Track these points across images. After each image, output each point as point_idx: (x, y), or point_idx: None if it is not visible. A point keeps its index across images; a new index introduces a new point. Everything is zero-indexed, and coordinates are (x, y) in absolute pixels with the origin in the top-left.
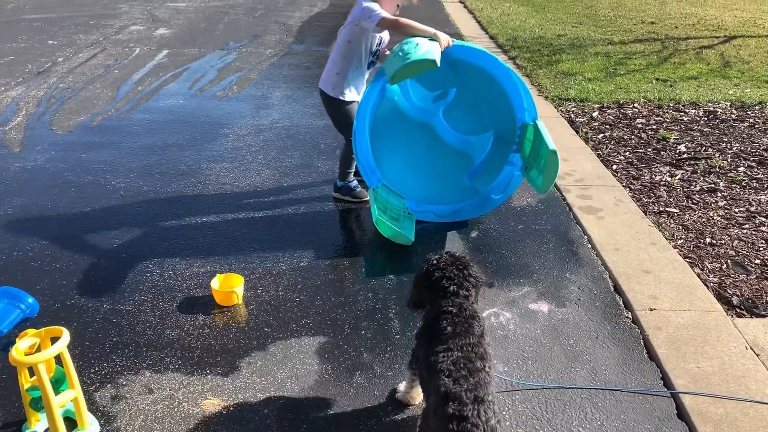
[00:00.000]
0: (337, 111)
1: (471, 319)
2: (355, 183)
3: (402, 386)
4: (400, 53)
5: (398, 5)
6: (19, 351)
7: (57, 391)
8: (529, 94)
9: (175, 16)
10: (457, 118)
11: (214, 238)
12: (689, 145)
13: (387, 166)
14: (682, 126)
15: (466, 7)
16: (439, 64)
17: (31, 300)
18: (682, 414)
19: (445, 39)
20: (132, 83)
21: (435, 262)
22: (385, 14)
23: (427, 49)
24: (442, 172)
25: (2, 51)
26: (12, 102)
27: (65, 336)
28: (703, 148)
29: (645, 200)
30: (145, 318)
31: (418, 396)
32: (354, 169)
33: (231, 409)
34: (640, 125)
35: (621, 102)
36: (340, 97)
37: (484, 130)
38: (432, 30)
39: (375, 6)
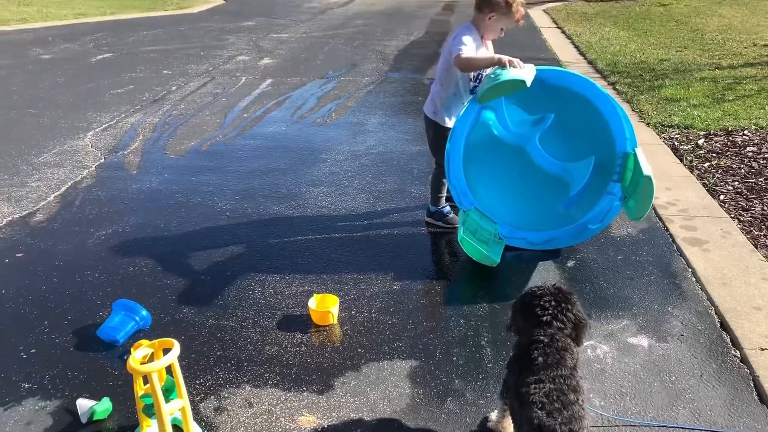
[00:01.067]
0: (434, 134)
1: (563, 351)
2: (447, 209)
3: (493, 415)
4: (491, 75)
5: (502, 29)
6: (135, 360)
7: (167, 400)
8: (629, 123)
9: (279, 46)
10: (555, 145)
11: (311, 258)
12: None
13: (479, 191)
14: None
15: (563, 32)
16: (528, 85)
17: (144, 312)
18: None
19: (511, 59)
20: (238, 110)
21: (536, 290)
22: (464, 53)
23: (519, 71)
24: (536, 199)
25: (123, 81)
26: (131, 128)
27: (176, 348)
28: None
29: (756, 233)
30: (246, 333)
31: (509, 426)
32: (445, 194)
33: (326, 426)
34: (750, 154)
35: (729, 129)
36: (439, 122)
37: (582, 157)
38: (496, 57)
39: (466, 40)
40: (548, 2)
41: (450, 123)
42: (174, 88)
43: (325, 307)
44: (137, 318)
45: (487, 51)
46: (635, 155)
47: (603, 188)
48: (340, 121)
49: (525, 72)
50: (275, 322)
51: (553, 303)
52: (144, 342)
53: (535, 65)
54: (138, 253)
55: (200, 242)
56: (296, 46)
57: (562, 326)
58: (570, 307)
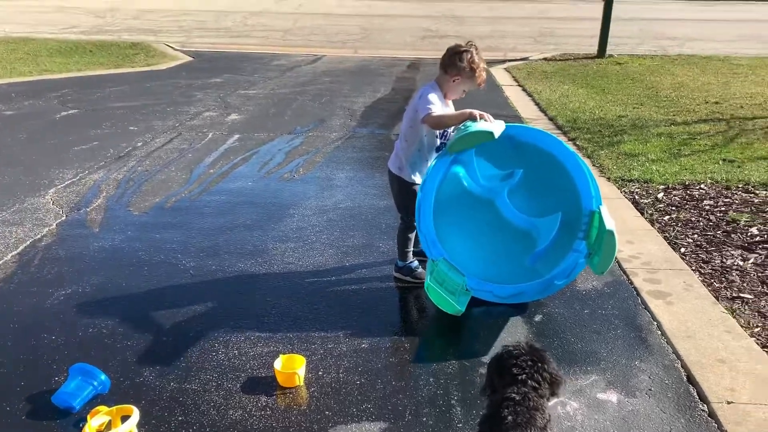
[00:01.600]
0: (399, 190)
1: (534, 410)
2: (415, 263)
3: None
4: (461, 127)
5: (465, 90)
6: (91, 428)
7: None
8: (594, 181)
9: (246, 102)
10: (523, 200)
11: (277, 317)
12: (762, 228)
13: (448, 242)
14: (753, 208)
15: (524, 90)
16: (496, 137)
17: (103, 377)
18: None
19: (482, 113)
20: (204, 166)
21: (511, 348)
22: (433, 111)
23: (488, 124)
24: (503, 253)
25: (88, 137)
26: (94, 185)
27: (135, 415)
28: None
29: (717, 285)
30: (209, 397)
31: None
32: (412, 249)
33: None
34: (708, 207)
35: (687, 183)
36: (404, 177)
37: (549, 213)
38: (467, 111)
39: (432, 99)
40: (509, 61)
41: (415, 178)
42: (139, 144)
43: (292, 368)
44: (95, 383)
45: (449, 110)
46: (599, 213)
47: (569, 245)
48: (308, 176)
49: (494, 125)
50: (239, 385)
51: (529, 362)
52: (101, 408)
53: (504, 122)
54: (98, 314)
55: (163, 302)
56: (264, 103)
57: (537, 386)
58: (546, 366)
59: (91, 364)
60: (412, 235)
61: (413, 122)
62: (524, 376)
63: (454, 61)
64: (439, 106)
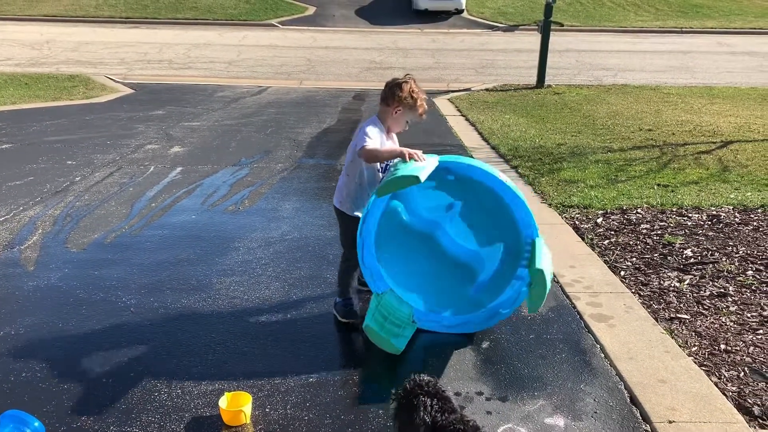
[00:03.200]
0: (344, 224)
1: None
2: (349, 302)
3: None
4: (391, 169)
5: (407, 122)
6: None
7: None
8: (529, 211)
9: (190, 134)
10: (464, 231)
11: (222, 354)
12: (695, 249)
13: (391, 276)
14: (687, 230)
15: (467, 119)
16: (422, 181)
17: (37, 424)
18: None
19: (412, 153)
20: (146, 200)
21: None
22: (368, 145)
23: (415, 166)
24: (446, 284)
25: (23, 172)
26: (29, 221)
27: None
28: (710, 252)
29: (655, 306)
30: None
31: None
32: (351, 288)
33: None
34: (644, 231)
35: (624, 208)
36: (346, 212)
37: (491, 243)
38: (398, 150)
39: (371, 132)
40: (452, 92)
41: (357, 213)
42: (78, 178)
43: (237, 405)
44: (28, 430)
45: (393, 143)
46: (534, 245)
47: (512, 273)
48: (254, 208)
49: (425, 165)
50: (183, 426)
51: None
52: None
53: (442, 153)
54: (32, 357)
55: (102, 341)
56: (208, 134)
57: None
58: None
59: (23, 411)
60: (356, 272)
61: (353, 156)
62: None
63: (395, 92)
64: (378, 140)
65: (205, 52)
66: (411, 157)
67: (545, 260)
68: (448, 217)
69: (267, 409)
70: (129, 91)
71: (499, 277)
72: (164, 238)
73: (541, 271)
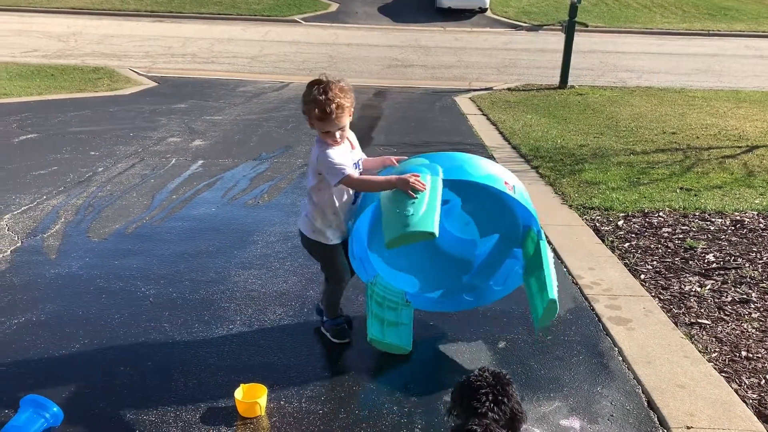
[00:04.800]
0: (317, 253)
1: None
2: (340, 321)
3: None
4: (397, 210)
5: (336, 133)
6: None
7: None
8: (531, 207)
9: (211, 128)
10: (460, 222)
11: (239, 346)
12: (718, 254)
13: (381, 260)
14: (710, 235)
15: (488, 119)
16: (437, 236)
17: (55, 409)
18: None
19: (413, 182)
20: (167, 192)
21: (474, 380)
22: (352, 173)
23: (425, 209)
24: (439, 273)
25: (47, 162)
26: (53, 210)
27: None
28: (733, 257)
29: (675, 311)
30: (167, 429)
31: None
32: (339, 305)
33: None
34: (666, 234)
35: (646, 211)
36: (321, 240)
37: (486, 233)
38: (393, 179)
39: (334, 155)
40: (473, 90)
41: (333, 238)
42: (101, 169)
43: (253, 397)
44: (47, 415)
45: (356, 153)
46: (539, 243)
47: (506, 253)
48: (273, 202)
49: (434, 212)
50: (199, 416)
51: (489, 396)
52: None
53: (461, 151)
54: (52, 344)
55: (120, 330)
56: (229, 129)
57: (498, 418)
58: (507, 400)
59: (43, 396)
60: (340, 293)
61: (322, 184)
62: (485, 409)
63: (303, 102)
64: (347, 157)
65: (228, 47)
66: (413, 187)
67: (554, 277)
68: (444, 210)
69: (282, 402)
70: (153, 84)
71: (492, 259)
72: (184, 229)
73: (554, 301)
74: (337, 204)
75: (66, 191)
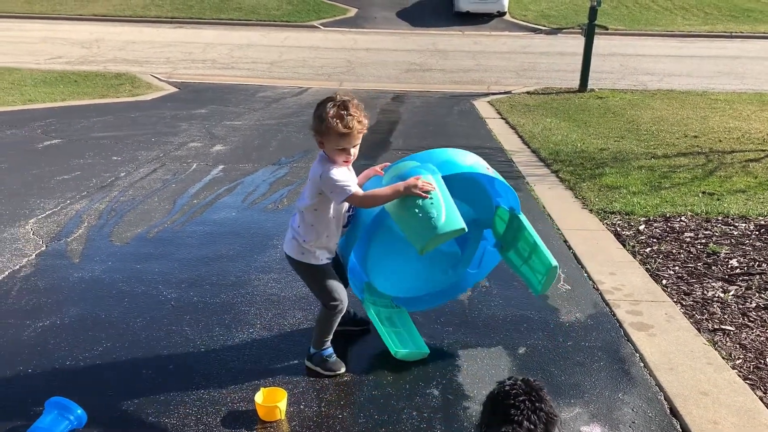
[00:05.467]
0: (308, 276)
1: None
2: (329, 351)
3: None
4: (420, 215)
5: (345, 148)
6: None
7: None
8: (505, 186)
9: (232, 133)
10: None
11: (259, 350)
12: (741, 260)
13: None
14: (733, 240)
15: (507, 123)
16: (466, 229)
17: (79, 411)
18: None
19: (423, 184)
20: (188, 197)
21: (507, 386)
22: (358, 191)
23: (445, 207)
24: (422, 271)
25: (70, 167)
26: (76, 215)
27: None
28: (757, 263)
29: (698, 317)
30: None
31: None
32: (331, 336)
33: None
34: (688, 239)
35: (667, 215)
36: (312, 262)
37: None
38: (401, 187)
39: (339, 174)
40: (492, 94)
41: (323, 259)
42: (123, 174)
43: (273, 401)
44: (71, 417)
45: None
46: (516, 217)
47: (478, 238)
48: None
49: (453, 208)
50: (219, 419)
51: (526, 403)
52: None
53: (480, 155)
54: (76, 347)
55: (142, 333)
56: (249, 134)
57: (533, 427)
58: (542, 405)
59: (67, 398)
60: (336, 321)
61: (319, 204)
62: (520, 417)
63: (315, 119)
64: (351, 178)
65: (247, 53)
66: (423, 189)
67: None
68: None
69: (302, 406)
70: (173, 89)
71: (468, 245)
72: (205, 234)
73: (556, 267)
74: (333, 225)
75: (89, 196)
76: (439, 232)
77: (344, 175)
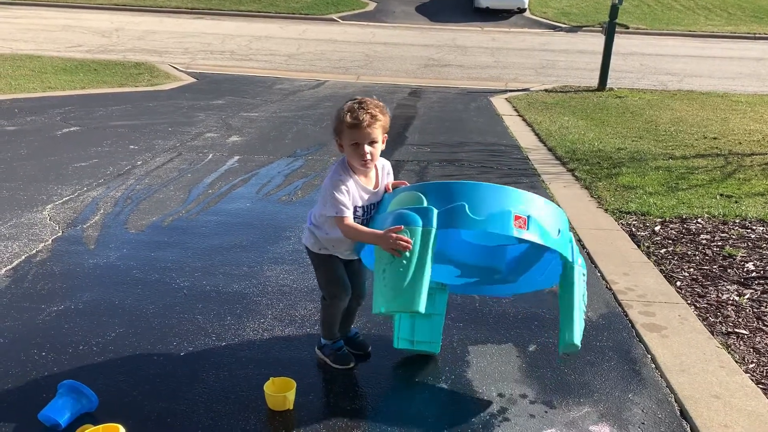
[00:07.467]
0: (317, 264)
1: None
2: (340, 344)
3: None
4: (384, 276)
5: (357, 143)
6: None
7: None
8: (552, 237)
9: (248, 125)
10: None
11: (269, 339)
12: (758, 263)
13: None
14: (750, 243)
15: (524, 120)
16: (423, 312)
17: (91, 395)
18: None
19: (397, 243)
20: (203, 186)
21: None
22: (347, 217)
23: (410, 278)
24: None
25: (88, 154)
26: (92, 202)
27: None
28: None
29: (712, 319)
30: (198, 419)
31: None
32: (338, 324)
33: None
34: (704, 241)
35: (684, 217)
36: (323, 252)
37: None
38: (379, 234)
39: (341, 198)
40: (510, 91)
41: (339, 253)
42: (139, 162)
43: (282, 391)
44: (83, 400)
45: (374, 190)
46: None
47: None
48: (307, 198)
49: (425, 282)
50: (228, 407)
51: None
52: (88, 427)
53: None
54: (89, 332)
55: (155, 321)
56: (265, 125)
57: None
58: None
59: (80, 382)
60: (336, 313)
61: (326, 214)
62: None
63: (334, 120)
64: (349, 200)
65: (266, 45)
66: (396, 248)
67: (580, 316)
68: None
69: (311, 396)
70: (191, 80)
71: (527, 258)
72: (219, 223)
73: (576, 345)
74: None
75: (106, 183)
76: (390, 307)
77: (345, 197)
